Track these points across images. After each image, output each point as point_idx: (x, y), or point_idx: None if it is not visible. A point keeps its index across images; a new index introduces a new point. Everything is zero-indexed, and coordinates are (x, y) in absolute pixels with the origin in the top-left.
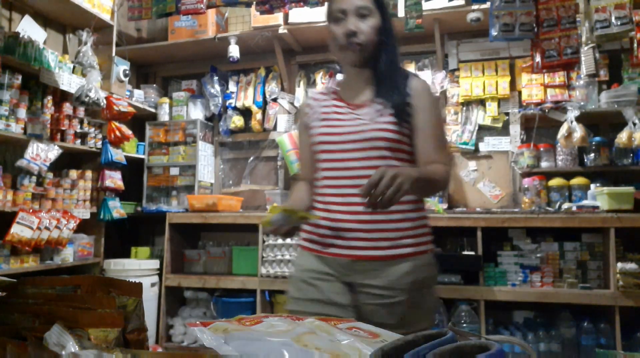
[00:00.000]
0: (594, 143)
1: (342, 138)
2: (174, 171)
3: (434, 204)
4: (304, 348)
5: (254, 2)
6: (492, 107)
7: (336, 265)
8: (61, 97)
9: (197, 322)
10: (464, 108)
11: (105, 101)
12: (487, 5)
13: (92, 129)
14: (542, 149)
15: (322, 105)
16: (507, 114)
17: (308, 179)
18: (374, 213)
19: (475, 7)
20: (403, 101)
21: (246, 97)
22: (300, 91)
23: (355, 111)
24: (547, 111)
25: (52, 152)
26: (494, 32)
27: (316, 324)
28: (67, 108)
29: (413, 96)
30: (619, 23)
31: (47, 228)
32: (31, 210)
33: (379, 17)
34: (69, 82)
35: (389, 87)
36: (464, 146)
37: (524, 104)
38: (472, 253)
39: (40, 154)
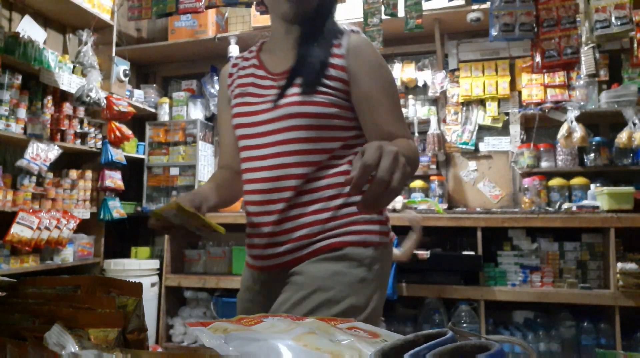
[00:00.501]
0: (594, 143)
1: (256, 119)
2: (174, 171)
3: (434, 204)
4: (304, 348)
5: (254, 2)
6: (492, 107)
7: (266, 278)
8: (61, 97)
9: (197, 322)
10: (464, 108)
11: (105, 101)
12: (487, 5)
13: (92, 129)
14: (542, 149)
15: (240, 74)
16: (507, 114)
17: (229, 167)
18: (289, 209)
19: (475, 7)
20: (335, 63)
21: None
22: None
23: (278, 82)
24: (547, 111)
25: (52, 152)
26: (494, 32)
27: (316, 324)
28: (67, 108)
29: (350, 56)
30: (619, 23)
31: (47, 228)
32: (31, 210)
33: None
34: (69, 82)
35: (318, 47)
36: (464, 146)
37: (524, 104)
38: (472, 253)
39: (40, 154)
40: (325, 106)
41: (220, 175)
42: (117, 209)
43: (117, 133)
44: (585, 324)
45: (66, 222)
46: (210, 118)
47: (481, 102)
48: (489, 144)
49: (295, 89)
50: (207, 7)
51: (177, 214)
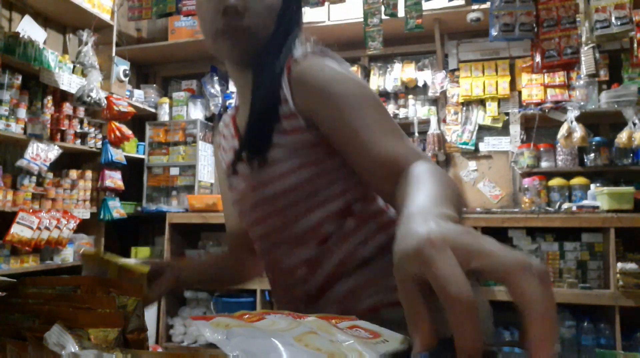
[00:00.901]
0: (594, 143)
1: (241, 207)
2: (174, 171)
3: None
4: (305, 349)
5: None
6: (492, 107)
7: None
8: (61, 97)
9: (200, 316)
10: (464, 108)
11: (105, 101)
12: (487, 5)
13: (92, 129)
14: (542, 149)
15: (224, 147)
16: (507, 114)
17: (238, 247)
18: (313, 302)
19: (475, 7)
20: (284, 113)
21: None
22: None
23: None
24: (547, 111)
25: (52, 152)
26: (494, 32)
27: (317, 323)
28: (67, 108)
29: (295, 96)
30: (619, 23)
31: (47, 228)
32: (31, 210)
33: None
34: (69, 82)
35: (265, 98)
36: (464, 146)
37: (524, 104)
38: None
39: (40, 154)
40: (293, 174)
41: (222, 251)
42: (117, 209)
43: (117, 133)
44: (585, 324)
45: (66, 222)
46: (210, 118)
47: (481, 102)
48: (489, 144)
49: (248, 169)
50: None
51: (86, 266)
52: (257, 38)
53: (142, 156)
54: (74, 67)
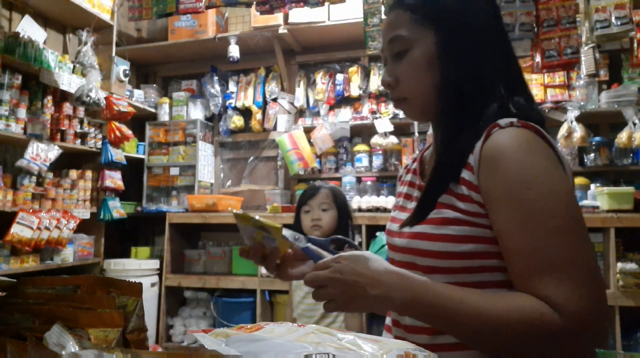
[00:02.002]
0: (594, 143)
1: (393, 242)
2: (174, 171)
3: None
4: (305, 344)
5: (254, 2)
6: None
7: None
8: (61, 97)
9: (199, 329)
10: None
11: (105, 101)
12: None
13: (92, 129)
14: None
15: (403, 180)
16: None
17: None
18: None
19: None
20: (465, 178)
21: (246, 97)
22: (300, 91)
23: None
24: (547, 111)
25: (52, 152)
26: None
27: (316, 328)
28: (67, 108)
29: (481, 170)
30: (619, 23)
31: (47, 228)
32: (31, 210)
33: None
34: (69, 82)
35: (450, 153)
36: None
37: None
38: None
39: (40, 154)
40: (454, 241)
41: None
42: (117, 209)
43: (117, 133)
44: None
45: (66, 222)
46: (210, 118)
47: None
48: None
49: (419, 213)
50: (207, 7)
51: (239, 225)
52: (422, 104)
53: (142, 156)
54: (74, 67)
